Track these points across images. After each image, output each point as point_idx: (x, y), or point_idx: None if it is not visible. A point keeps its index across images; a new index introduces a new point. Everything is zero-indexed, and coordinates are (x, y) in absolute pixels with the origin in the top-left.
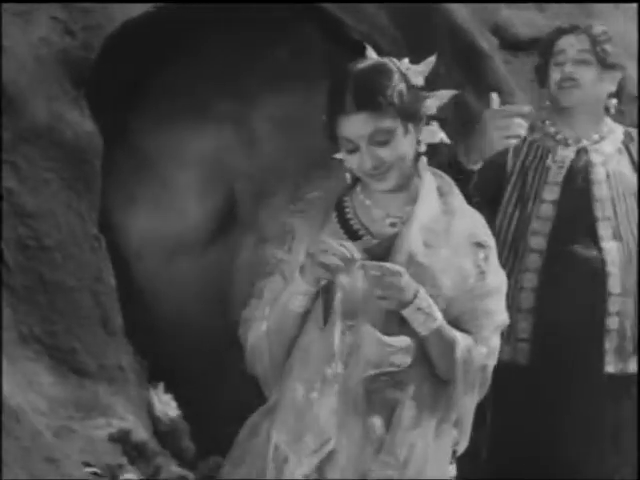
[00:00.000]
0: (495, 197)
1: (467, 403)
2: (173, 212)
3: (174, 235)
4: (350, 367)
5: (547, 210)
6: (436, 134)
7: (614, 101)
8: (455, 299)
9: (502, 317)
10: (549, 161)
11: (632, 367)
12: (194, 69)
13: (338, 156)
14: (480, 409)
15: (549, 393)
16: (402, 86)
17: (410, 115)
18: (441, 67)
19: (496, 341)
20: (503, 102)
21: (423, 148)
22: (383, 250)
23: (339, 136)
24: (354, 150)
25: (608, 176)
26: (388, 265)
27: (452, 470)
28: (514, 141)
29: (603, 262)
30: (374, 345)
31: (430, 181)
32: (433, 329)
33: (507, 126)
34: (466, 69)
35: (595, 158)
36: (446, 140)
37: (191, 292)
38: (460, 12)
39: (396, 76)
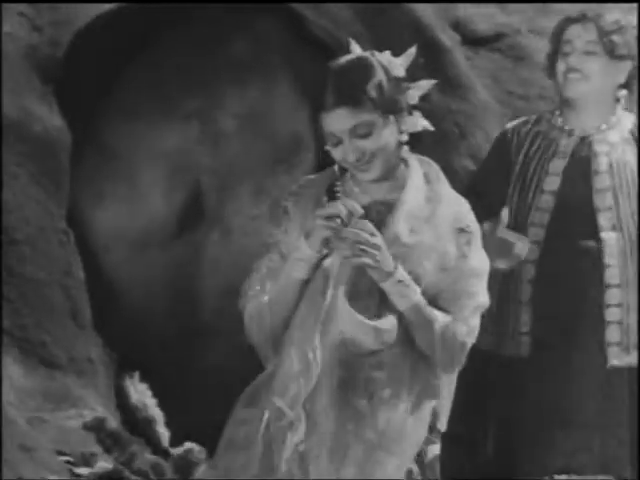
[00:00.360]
0: (501, 187)
1: (446, 379)
2: (140, 206)
3: (141, 229)
4: (324, 338)
5: (547, 201)
6: (418, 123)
7: (624, 92)
8: (437, 280)
9: (483, 298)
10: (551, 152)
11: (635, 360)
12: (160, 66)
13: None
14: (481, 403)
15: (550, 386)
16: (382, 79)
17: (390, 107)
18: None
19: (476, 321)
20: (463, 97)
21: (405, 137)
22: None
23: (324, 131)
24: (338, 143)
25: (611, 166)
26: (369, 226)
27: (436, 449)
28: (504, 266)
29: (601, 253)
30: (351, 323)
31: (416, 169)
32: (413, 303)
33: (501, 250)
34: (428, 64)
35: (599, 148)
36: (430, 128)
37: (159, 285)
38: (422, 8)
39: (376, 70)
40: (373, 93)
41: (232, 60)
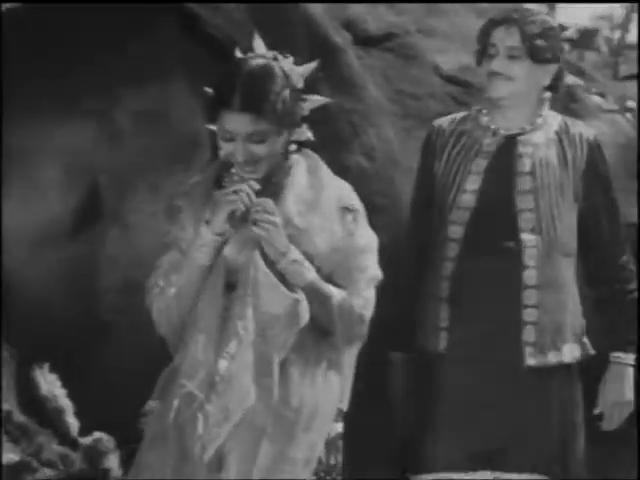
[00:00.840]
0: (428, 188)
1: (348, 357)
2: (38, 205)
3: (39, 228)
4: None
5: (467, 200)
6: (304, 134)
7: (548, 94)
8: (328, 258)
9: (374, 271)
10: (474, 151)
11: (552, 360)
12: (59, 65)
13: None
14: (401, 396)
15: (466, 382)
16: (286, 92)
17: (287, 121)
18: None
19: (370, 293)
20: (357, 96)
21: (294, 147)
22: None
23: (219, 125)
24: (230, 140)
25: (534, 167)
26: (270, 204)
27: (339, 427)
28: None
29: (520, 254)
30: (276, 297)
31: (299, 162)
32: (308, 281)
33: None
34: (322, 63)
35: (523, 149)
36: (311, 138)
37: (58, 283)
38: (315, 7)
39: (281, 81)
40: (276, 106)
41: (129, 59)
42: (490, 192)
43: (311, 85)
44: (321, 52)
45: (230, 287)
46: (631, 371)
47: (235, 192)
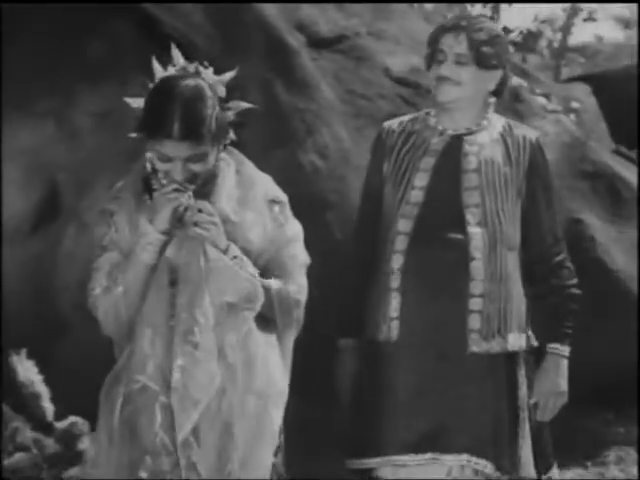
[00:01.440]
0: (378, 187)
1: (289, 338)
2: None
3: None
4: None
5: (416, 196)
6: (230, 137)
7: (493, 99)
8: (263, 251)
9: (303, 258)
10: (423, 150)
11: (496, 348)
12: (18, 66)
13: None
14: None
15: (415, 369)
16: (217, 110)
17: (220, 136)
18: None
19: (303, 279)
20: (310, 96)
21: (223, 155)
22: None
23: (156, 149)
24: (167, 161)
25: (479, 165)
26: (208, 206)
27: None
28: None
29: (467, 246)
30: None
31: (226, 162)
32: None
33: None
34: (276, 65)
35: (469, 148)
36: (234, 139)
37: (17, 280)
38: (269, 10)
39: (212, 101)
40: (211, 128)
41: (86, 60)
42: (438, 188)
43: (266, 86)
44: (276, 53)
45: (173, 284)
46: (566, 363)
47: (176, 190)
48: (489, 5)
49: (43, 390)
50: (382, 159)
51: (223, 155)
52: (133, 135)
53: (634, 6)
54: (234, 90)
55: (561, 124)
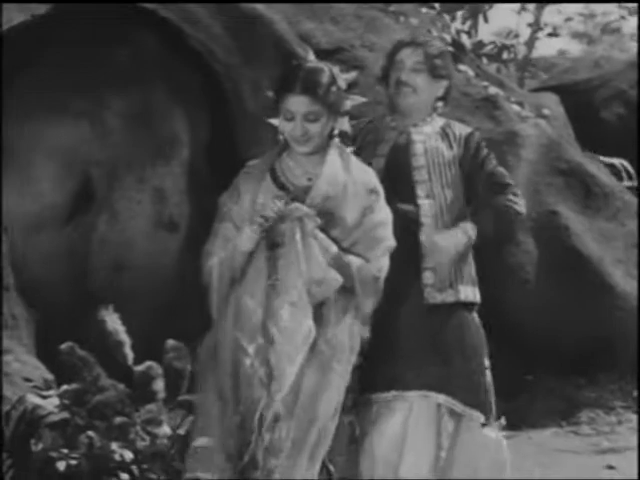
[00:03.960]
0: None
1: (367, 305)
2: (35, 194)
3: (35, 214)
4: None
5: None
6: (345, 124)
7: (440, 103)
8: (353, 230)
9: (389, 242)
10: (379, 139)
11: (450, 298)
12: (55, 71)
13: (273, 121)
14: None
15: (380, 322)
16: (334, 87)
17: (334, 108)
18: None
19: (385, 261)
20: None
21: (336, 132)
22: (303, 194)
23: (282, 106)
24: (290, 119)
25: (426, 150)
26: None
27: None
28: None
29: (418, 215)
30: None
31: (334, 148)
32: (333, 253)
33: None
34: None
35: (416, 137)
36: (349, 130)
37: (55, 261)
38: (280, 24)
39: (330, 78)
40: (327, 93)
41: (116, 67)
42: (392, 169)
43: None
44: (286, 62)
45: (272, 247)
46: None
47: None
48: (467, 23)
49: (125, 339)
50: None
51: (334, 145)
52: (269, 94)
53: (596, 22)
54: (352, 87)
55: (539, 127)
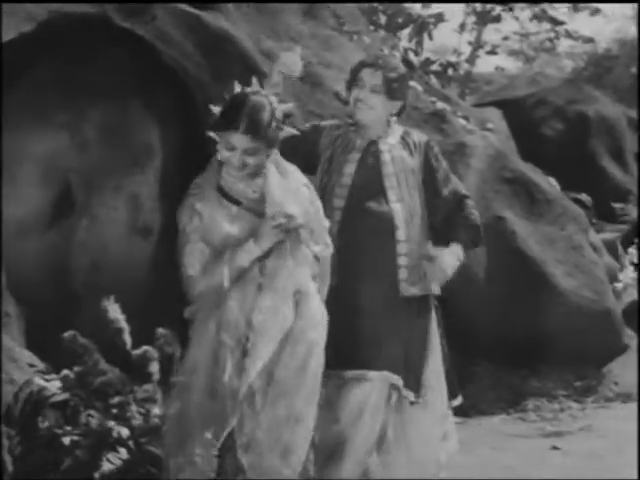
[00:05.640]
0: (308, 165)
1: (325, 288)
2: (18, 200)
3: (18, 219)
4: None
5: (346, 180)
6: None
7: (395, 118)
8: (305, 222)
9: (325, 222)
10: (350, 147)
11: (418, 292)
12: (38, 86)
13: (213, 135)
14: None
15: (354, 308)
16: (273, 122)
17: (272, 142)
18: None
19: (328, 239)
20: None
21: (272, 157)
22: (257, 205)
23: (224, 138)
24: (231, 149)
25: (392, 158)
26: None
27: None
28: None
29: (392, 218)
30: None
31: (272, 161)
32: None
33: None
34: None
35: (383, 147)
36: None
37: (35, 264)
38: (246, 42)
39: (270, 115)
40: (267, 131)
41: (94, 82)
42: (363, 175)
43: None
44: (250, 78)
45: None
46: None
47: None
48: (414, 40)
49: (125, 326)
50: (318, 138)
51: (271, 159)
52: (210, 133)
53: (530, 41)
54: (287, 117)
55: (486, 139)
